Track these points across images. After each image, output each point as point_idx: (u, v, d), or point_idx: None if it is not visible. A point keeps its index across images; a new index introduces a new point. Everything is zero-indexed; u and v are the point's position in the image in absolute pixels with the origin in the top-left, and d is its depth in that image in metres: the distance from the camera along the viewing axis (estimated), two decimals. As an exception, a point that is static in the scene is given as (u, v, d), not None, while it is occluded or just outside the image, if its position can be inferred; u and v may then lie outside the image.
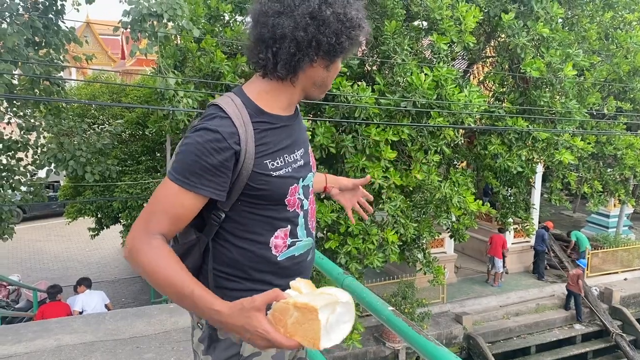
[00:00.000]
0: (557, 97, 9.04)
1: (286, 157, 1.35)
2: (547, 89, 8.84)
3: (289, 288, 1.18)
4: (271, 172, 1.30)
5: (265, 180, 1.29)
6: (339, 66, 1.38)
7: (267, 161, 1.29)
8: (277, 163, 1.32)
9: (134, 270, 1.24)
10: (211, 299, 1.15)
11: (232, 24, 9.14)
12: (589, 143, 9.11)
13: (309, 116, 8.26)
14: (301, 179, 1.40)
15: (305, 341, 1.08)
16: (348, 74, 8.06)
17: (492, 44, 10.09)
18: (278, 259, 1.36)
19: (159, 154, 12.63)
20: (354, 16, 1.28)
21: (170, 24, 6.96)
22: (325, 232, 8.17)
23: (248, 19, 1.35)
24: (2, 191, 8.60)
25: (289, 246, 1.38)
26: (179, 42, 8.30)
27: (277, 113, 1.35)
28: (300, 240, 1.42)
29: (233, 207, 1.30)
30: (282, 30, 1.24)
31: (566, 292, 12.56)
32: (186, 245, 1.32)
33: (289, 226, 1.38)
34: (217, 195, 1.25)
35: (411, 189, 8.13)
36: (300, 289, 1.16)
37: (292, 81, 1.33)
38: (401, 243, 8.23)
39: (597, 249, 14.25)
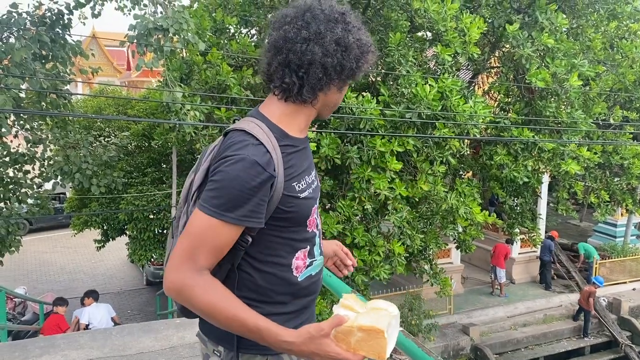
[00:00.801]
0: (563, 107, 9.02)
1: (307, 178, 1.38)
2: (553, 99, 8.83)
3: (312, 315, 1.27)
4: (299, 194, 1.33)
5: (294, 203, 1.32)
6: (347, 87, 1.43)
7: (294, 184, 1.32)
8: (302, 185, 1.35)
9: (186, 305, 1.26)
10: (278, 331, 1.20)
11: (237, 37, 9.19)
12: (595, 153, 9.07)
13: (314, 127, 8.28)
14: (317, 199, 1.45)
15: (371, 354, 1.19)
16: (353, 85, 8.07)
17: (496, 54, 10.09)
18: (298, 279, 1.39)
19: (165, 166, 12.65)
20: (367, 42, 1.36)
21: (176, 37, 7.01)
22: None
23: (267, 44, 1.38)
24: (9, 204, 8.65)
25: (308, 266, 1.41)
26: (185, 55, 8.35)
27: (297, 136, 1.38)
28: (316, 260, 1.45)
29: (259, 231, 1.31)
30: (312, 57, 1.28)
31: (577, 306, 12.45)
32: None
33: (308, 246, 1.41)
34: (258, 224, 1.27)
35: (417, 199, 8.11)
36: (354, 308, 1.24)
37: (313, 104, 1.36)
38: (408, 254, 8.19)
39: (605, 259, 14.14)
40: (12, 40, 7.77)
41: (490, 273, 13.32)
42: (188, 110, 6.83)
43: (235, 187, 1.21)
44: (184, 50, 8.14)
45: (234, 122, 1.39)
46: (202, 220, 1.24)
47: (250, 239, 1.30)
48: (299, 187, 1.33)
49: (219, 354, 1.37)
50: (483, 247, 13.93)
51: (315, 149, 7.38)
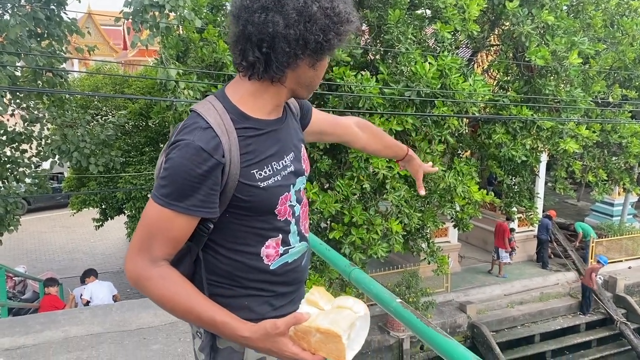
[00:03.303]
0: (562, 85, 8.99)
1: (274, 164, 1.26)
2: (552, 77, 8.79)
3: (298, 298, 1.20)
4: (258, 183, 1.23)
5: (252, 192, 1.22)
6: (325, 64, 1.29)
7: (254, 171, 1.22)
8: (265, 172, 1.24)
9: (145, 295, 1.22)
10: (234, 325, 1.15)
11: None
12: (594, 131, 9.07)
13: (313, 106, 8.23)
14: (292, 185, 1.33)
15: (331, 357, 1.13)
16: (351, 63, 8.02)
17: (496, 32, 10.01)
18: (271, 267, 1.31)
19: (162, 145, 12.62)
20: (342, 10, 1.19)
21: (172, 14, 6.92)
22: (329, 222, 8.17)
23: (228, 14, 1.29)
24: (7, 183, 8.64)
25: (282, 254, 1.33)
26: (181, 32, 8.26)
27: (263, 117, 1.26)
28: (293, 247, 1.35)
29: (220, 219, 1.24)
30: (274, 29, 1.14)
31: (573, 284, 12.58)
32: (178, 254, 1.27)
33: (280, 235, 1.32)
34: (211, 213, 1.20)
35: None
36: (318, 303, 1.17)
37: (281, 82, 1.24)
38: (405, 233, 8.23)
39: (602, 238, 14.24)
40: (6, 17, 7.68)
41: (493, 253, 13.38)
42: (183, 89, 6.77)
43: (181, 175, 1.14)
44: (180, 28, 8.06)
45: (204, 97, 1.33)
46: (154, 209, 1.18)
47: (211, 225, 1.24)
48: (260, 174, 1.23)
49: (200, 335, 1.34)
50: (480, 226, 13.98)
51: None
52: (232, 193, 1.20)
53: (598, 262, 12.32)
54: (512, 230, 13.12)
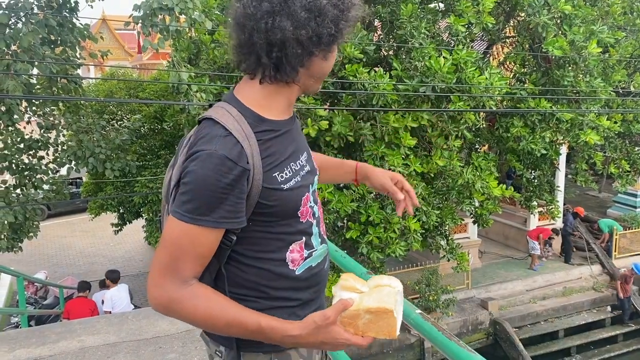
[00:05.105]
0: (581, 75, 8.76)
1: (293, 165, 1.24)
2: (571, 68, 8.58)
3: (321, 305, 1.22)
4: (282, 186, 1.19)
5: (277, 196, 1.18)
6: (335, 52, 1.25)
7: (276, 174, 1.18)
8: (286, 174, 1.21)
9: (179, 319, 1.18)
10: (282, 326, 1.14)
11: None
12: (615, 122, 8.83)
13: (326, 105, 8.16)
14: (310, 185, 1.31)
15: (381, 335, 1.17)
16: (364, 60, 7.91)
17: (511, 23, 9.81)
18: (296, 273, 1.27)
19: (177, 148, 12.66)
20: None
21: (183, 17, 6.89)
22: (345, 221, 8.09)
23: (229, 20, 1.22)
24: (25, 190, 8.71)
25: (306, 258, 1.29)
26: (192, 34, 8.24)
27: (277, 118, 1.23)
28: (316, 250, 1.32)
29: (243, 228, 1.18)
30: (283, 34, 1.11)
31: (597, 278, 12.34)
32: None
33: (304, 238, 1.28)
34: (239, 223, 1.15)
35: (432, 175, 7.99)
36: (355, 287, 1.18)
37: (295, 81, 1.21)
38: (423, 230, 8.11)
39: (625, 229, 13.95)
40: (19, 25, 7.73)
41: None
42: (195, 92, 6.74)
43: (206, 188, 1.09)
44: (192, 30, 8.04)
45: (209, 106, 1.24)
46: (177, 227, 1.12)
47: (234, 237, 1.19)
48: (282, 177, 1.19)
49: (220, 355, 1.28)
50: (501, 220, 13.80)
51: (328, 127, 7.27)
52: (257, 199, 1.16)
53: (632, 269, 12.02)
54: (552, 233, 12.92)
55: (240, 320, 1.13)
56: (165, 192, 1.26)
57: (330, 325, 1.11)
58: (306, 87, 1.26)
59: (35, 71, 8.25)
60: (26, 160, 8.92)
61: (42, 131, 9.09)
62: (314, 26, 1.12)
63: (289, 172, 1.22)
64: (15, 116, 7.72)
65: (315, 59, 1.18)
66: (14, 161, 8.63)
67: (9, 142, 8.65)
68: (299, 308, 1.29)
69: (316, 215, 1.33)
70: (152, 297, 1.14)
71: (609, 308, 12.30)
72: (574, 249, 13.81)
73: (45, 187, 9.27)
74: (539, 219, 13.66)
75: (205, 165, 1.09)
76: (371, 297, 1.15)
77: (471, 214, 9.12)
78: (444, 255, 9.24)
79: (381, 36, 8.90)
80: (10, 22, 7.59)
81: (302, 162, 1.28)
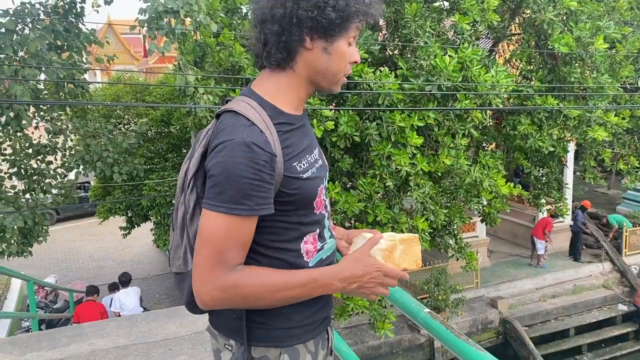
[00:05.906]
0: (588, 72, 8.70)
1: (308, 157, 1.28)
2: (577, 65, 8.52)
3: (329, 302, 1.35)
4: (301, 175, 1.23)
5: (297, 185, 1.21)
6: (344, 49, 1.24)
7: (295, 163, 1.22)
8: (304, 164, 1.24)
9: (239, 306, 1.23)
10: (331, 273, 1.22)
11: (250, 16, 9.05)
12: (623, 118, 8.76)
13: (332, 105, 8.15)
14: (324, 178, 1.35)
15: (412, 264, 1.30)
16: (369, 60, 7.90)
17: (517, 20, 9.77)
18: (309, 265, 1.29)
19: (184, 150, 12.69)
20: None
21: (188, 19, 6.91)
22: (353, 222, 8.07)
23: (251, 19, 1.32)
24: (34, 195, 8.77)
25: (319, 250, 1.32)
26: (198, 37, 8.26)
27: (292, 112, 1.27)
28: (327, 242, 1.36)
29: (264, 217, 1.20)
30: (263, 11, 1.20)
31: (607, 275, 12.22)
32: None
33: (317, 229, 1.32)
34: (271, 209, 1.18)
35: (440, 174, 7.96)
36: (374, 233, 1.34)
37: (293, 68, 1.24)
38: (431, 230, 8.08)
39: (635, 226, 13.84)
40: (26, 31, 7.79)
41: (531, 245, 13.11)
42: (202, 94, 6.76)
43: (239, 175, 1.11)
44: (197, 33, 8.06)
45: (226, 102, 1.28)
46: (215, 220, 1.14)
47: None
48: (300, 167, 1.23)
49: (230, 348, 1.28)
50: (509, 219, 13.73)
51: (334, 127, 7.27)
52: (278, 188, 1.19)
53: None
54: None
55: (295, 280, 1.18)
56: (181, 183, 1.28)
57: (368, 257, 1.22)
58: (313, 81, 1.27)
59: (42, 76, 8.32)
60: (35, 165, 9.00)
61: (50, 136, 9.16)
62: (290, 6, 1.17)
63: (306, 163, 1.25)
64: (24, 121, 7.78)
65: (310, 47, 1.21)
66: (22, 166, 8.71)
67: (18, 147, 8.73)
68: (310, 302, 1.29)
69: (328, 209, 1.37)
70: (205, 293, 1.15)
71: (619, 306, 12.18)
72: (584, 247, 13.72)
73: (54, 191, 9.34)
74: (548, 217, 13.57)
75: (235, 154, 1.11)
76: (392, 234, 1.30)
77: (479, 212, 9.09)
78: (453, 255, 9.21)
79: (386, 35, 8.88)
80: (17, 29, 7.65)
81: (315, 155, 1.32)
